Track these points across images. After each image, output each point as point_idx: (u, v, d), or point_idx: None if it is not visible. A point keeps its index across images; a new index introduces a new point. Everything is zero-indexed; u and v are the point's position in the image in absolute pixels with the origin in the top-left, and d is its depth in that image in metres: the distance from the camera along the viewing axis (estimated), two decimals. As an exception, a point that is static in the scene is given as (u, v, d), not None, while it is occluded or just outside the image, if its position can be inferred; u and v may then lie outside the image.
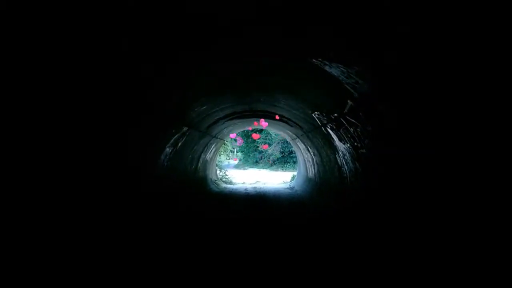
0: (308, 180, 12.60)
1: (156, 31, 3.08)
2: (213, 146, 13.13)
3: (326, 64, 3.70)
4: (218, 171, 17.69)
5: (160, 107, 5.16)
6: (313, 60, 3.68)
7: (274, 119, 10.47)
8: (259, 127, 14.39)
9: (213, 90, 5.85)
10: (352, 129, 5.42)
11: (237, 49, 3.85)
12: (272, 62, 4.39)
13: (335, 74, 3.85)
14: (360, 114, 4.52)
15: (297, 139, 12.32)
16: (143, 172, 5.81)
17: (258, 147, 30.62)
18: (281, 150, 29.16)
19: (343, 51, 3.31)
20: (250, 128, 17.52)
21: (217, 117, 9.02)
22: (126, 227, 4.78)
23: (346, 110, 4.86)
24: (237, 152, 37.10)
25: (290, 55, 3.82)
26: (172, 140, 7.05)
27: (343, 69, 3.63)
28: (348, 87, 4.03)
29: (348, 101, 4.50)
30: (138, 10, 2.64)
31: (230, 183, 16.69)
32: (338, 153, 7.51)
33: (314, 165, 11.50)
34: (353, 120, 5.09)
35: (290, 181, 16.64)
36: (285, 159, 29.47)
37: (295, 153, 19.86)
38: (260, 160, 31.20)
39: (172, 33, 3.19)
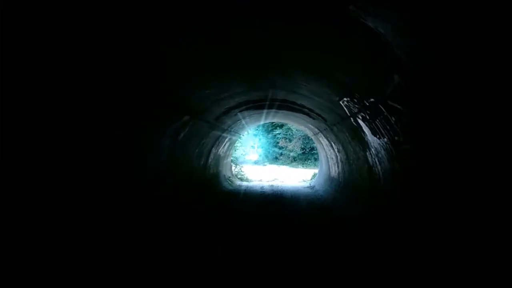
0: (331, 179, 11.29)
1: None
2: (226, 139, 12.00)
3: (369, 14, 2.42)
4: (233, 167, 16.60)
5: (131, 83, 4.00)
6: (350, 7, 2.42)
7: (293, 110, 9.21)
8: (279, 122, 13.15)
9: (215, 67, 4.64)
10: (394, 118, 4.10)
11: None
12: (287, 19, 3.14)
13: (381, 30, 2.57)
14: (413, 95, 3.21)
15: (320, 133, 10.99)
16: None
17: (278, 142, 29.38)
18: (302, 146, 27.86)
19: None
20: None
21: (227, 106, 7.84)
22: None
23: (389, 91, 3.55)
24: (257, 147, 35.97)
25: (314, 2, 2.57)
26: (169, 131, 5.93)
27: (396, 21, 2.36)
28: (399, 52, 2.74)
29: (395, 76, 3.20)
30: None
31: (246, 180, 15.56)
32: (369, 149, 6.18)
33: (338, 163, 10.18)
34: (397, 105, 3.77)
35: (311, 179, 15.43)
36: (305, 156, 28.11)
37: (316, 149, 18.52)
38: (280, 156, 29.94)
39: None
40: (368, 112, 4.86)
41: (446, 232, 3.37)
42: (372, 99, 4.30)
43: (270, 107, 9.27)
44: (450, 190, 3.42)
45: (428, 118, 3.22)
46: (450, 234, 3.29)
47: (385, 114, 4.24)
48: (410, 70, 2.92)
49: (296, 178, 17.18)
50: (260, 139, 33.33)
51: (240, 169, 17.56)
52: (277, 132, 29.40)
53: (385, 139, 4.93)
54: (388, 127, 4.54)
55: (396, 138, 4.49)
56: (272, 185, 13.38)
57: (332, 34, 3.11)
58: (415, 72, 2.86)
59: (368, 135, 5.75)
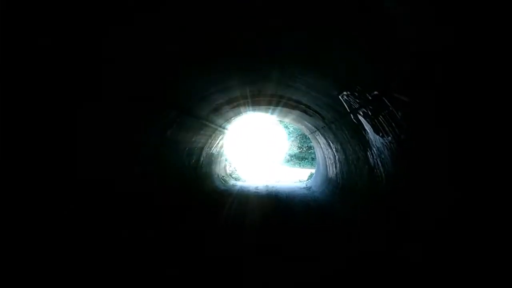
0: (328, 180, 10.82)
1: None
2: (219, 137, 11.50)
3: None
4: (228, 166, 16.11)
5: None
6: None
7: (289, 106, 8.73)
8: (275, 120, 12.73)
9: (203, 58, 4.13)
10: (400, 113, 3.63)
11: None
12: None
13: (390, 4, 2.10)
14: (424, 86, 2.74)
15: (317, 132, 10.51)
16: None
17: (274, 141, 28.96)
18: (299, 145, 27.40)
19: None
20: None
21: (218, 102, 7.35)
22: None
23: (396, 82, 3.08)
24: (253, 146, 35.54)
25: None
26: (156, 128, 5.43)
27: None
28: (409, 33, 2.26)
29: (404, 63, 2.73)
30: None
31: (240, 179, 15.09)
32: (371, 149, 5.71)
33: (335, 163, 9.71)
34: (404, 98, 3.31)
35: (307, 179, 14.97)
36: (302, 155, 27.66)
37: (313, 148, 18.05)
38: (276, 155, 29.51)
39: None
40: (371, 107, 4.39)
41: (463, 244, 2.90)
42: (375, 92, 3.82)
43: (266, 103, 8.79)
44: (464, 194, 2.96)
45: (443, 113, 2.75)
46: (468, 246, 2.83)
47: (390, 108, 3.77)
48: (423, 55, 2.45)
49: (292, 178, 16.73)
50: (255, 137, 32.89)
51: (234, 168, 17.09)
52: (273, 130, 28.98)
53: (390, 138, 4.46)
54: (393, 124, 4.07)
55: (402, 136, 4.02)
56: (267, 185, 12.91)
57: (333, 15, 2.62)
58: (428, 57, 2.39)
59: (370, 133, 5.28)
